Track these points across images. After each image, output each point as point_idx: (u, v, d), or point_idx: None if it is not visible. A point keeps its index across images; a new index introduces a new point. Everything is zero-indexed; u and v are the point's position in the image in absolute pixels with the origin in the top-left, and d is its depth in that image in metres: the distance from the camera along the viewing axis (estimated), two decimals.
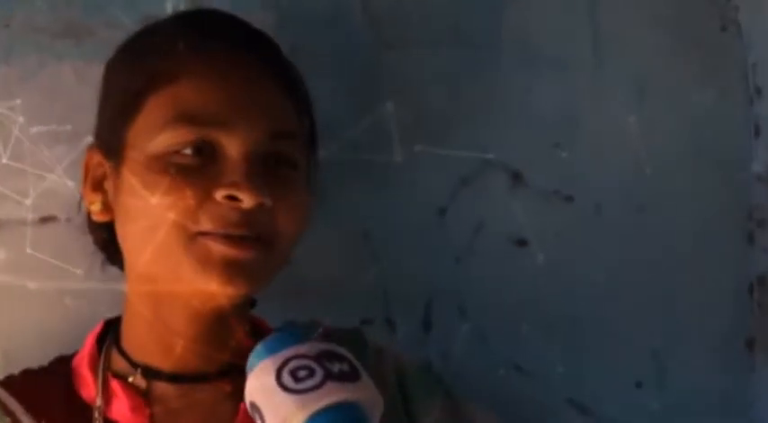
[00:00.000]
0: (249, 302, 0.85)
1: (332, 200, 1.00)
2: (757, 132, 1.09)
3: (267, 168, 0.79)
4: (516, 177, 1.05)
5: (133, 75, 0.81)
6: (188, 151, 0.77)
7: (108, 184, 0.82)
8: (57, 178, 0.92)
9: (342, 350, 0.71)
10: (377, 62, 1.03)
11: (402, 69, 1.03)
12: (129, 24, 0.88)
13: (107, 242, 0.87)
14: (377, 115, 1.02)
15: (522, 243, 1.04)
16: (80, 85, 0.91)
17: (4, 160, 0.92)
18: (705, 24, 1.09)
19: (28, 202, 0.93)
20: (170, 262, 0.77)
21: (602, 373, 1.05)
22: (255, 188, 0.76)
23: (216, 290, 0.77)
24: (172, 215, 0.76)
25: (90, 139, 0.85)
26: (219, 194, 0.76)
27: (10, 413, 0.80)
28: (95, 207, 0.83)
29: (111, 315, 0.88)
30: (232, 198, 0.76)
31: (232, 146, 0.78)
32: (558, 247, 1.04)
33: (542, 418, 1.04)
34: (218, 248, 0.76)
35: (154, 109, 0.79)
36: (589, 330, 1.05)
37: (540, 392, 1.03)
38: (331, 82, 1.00)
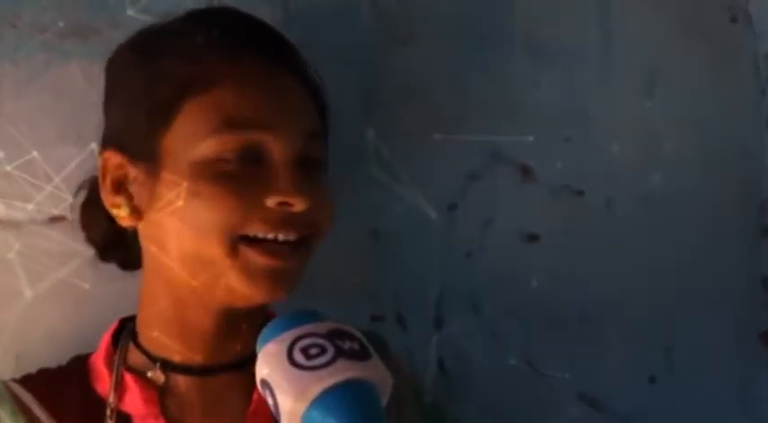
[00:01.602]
0: None
1: (341, 197, 1.00)
2: None
3: (305, 170, 0.80)
4: (526, 172, 1.04)
5: (164, 79, 0.80)
6: (232, 157, 0.78)
7: (135, 188, 0.81)
8: (65, 177, 0.92)
9: (352, 329, 0.72)
10: (385, 57, 1.02)
11: (410, 64, 1.03)
12: (135, 23, 0.87)
13: (104, 239, 0.88)
14: (385, 111, 1.02)
15: (532, 238, 1.04)
16: (87, 84, 0.91)
17: (8, 165, 0.93)
18: (715, 16, 1.08)
19: (36, 202, 0.93)
20: (209, 270, 0.78)
21: (614, 368, 1.04)
22: (304, 193, 0.78)
23: (261, 299, 0.79)
24: (220, 219, 0.77)
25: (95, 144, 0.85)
26: (272, 201, 0.78)
27: (26, 409, 0.81)
28: (122, 211, 0.82)
29: (119, 316, 0.88)
30: (283, 204, 0.78)
31: (276, 150, 0.79)
32: (568, 242, 1.04)
33: (554, 414, 1.03)
34: (261, 260, 0.78)
35: (193, 115, 0.79)
36: (601, 325, 1.04)
37: (552, 388, 1.03)
38: (339, 77, 0.99)
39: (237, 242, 0.78)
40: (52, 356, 0.87)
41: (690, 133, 1.07)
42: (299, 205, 0.78)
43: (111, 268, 0.91)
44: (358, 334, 0.71)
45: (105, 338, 0.86)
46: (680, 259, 1.06)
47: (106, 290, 0.93)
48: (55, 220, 0.93)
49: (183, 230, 0.78)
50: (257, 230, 0.78)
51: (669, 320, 1.06)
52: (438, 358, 1.01)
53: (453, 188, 1.03)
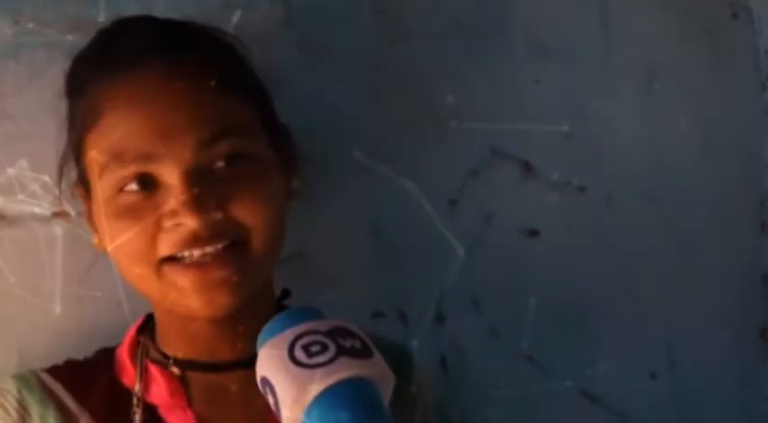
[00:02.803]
0: (271, 291, 0.86)
1: (341, 194, 1.00)
2: None
3: (212, 174, 0.78)
4: (527, 168, 1.04)
5: (73, 115, 0.82)
6: (133, 187, 0.78)
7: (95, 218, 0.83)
8: (67, 173, 0.92)
9: (353, 327, 0.71)
10: (385, 54, 1.02)
11: (410, 61, 1.03)
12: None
13: None
14: (385, 108, 1.02)
15: (533, 234, 1.04)
16: None
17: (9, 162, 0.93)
18: (716, 11, 1.08)
19: (36, 198, 0.93)
20: (153, 291, 0.79)
21: (615, 363, 1.05)
22: (197, 208, 0.76)
23: (207, 313, 0.78)
24: (131, 252, 0.77)
25: None
26: (168, 223, 0.77)
27: (55, 398, 0.82)
28: (95, 240, 0.84)
29: (121, 311, 0.88)
30: (179, 224, 0.77)
31: (166, 173, 0.77)
32: (569, 238, 1.04)
33: (555, 410, 1.03)
34: (185, 278, 0.77)
35: (91, 149, 0.79)
36: (602, 321, 1.04)
37: (553, 384, 1.03)
38: (338, 75, 1.00)
39: (160, 265, 0.78)
40: (54, 351, 0.88)
41: (690, 129, 1.07)
42: (191, 223, 0.76)
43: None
44: (360, 332, 0.71)
45: (131, 332, 0.87)
46: (680, 255, 1.06)
47: (109, 287, 0.93)
48: (56, 216, 0.93)
49: (119, 261, 0.79)
50: (168, 252, 0.77)
51: (669, 317, 1.06)
52: (440, 355, 1.01)
53: (454, 184, 1.03)
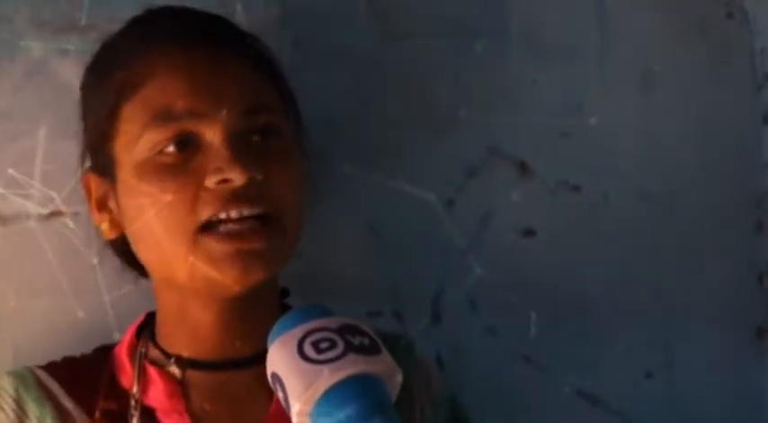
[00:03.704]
0: (276, 289, 0.87)
1: (338, 192, 1.00)
2: (766, 120, 1.08)
3: (251, 144, 0.80)
4: (523, 168, 1.04)
5: (103, 92, 0.82)
6: (171, 149, 0.79)
7: (111, 203, 0.84)
8: (62, 173, 0.92)
9: (363, 325, 0.72)
10: (381, 54, 1.02)
11: (407, 61, 1.03)
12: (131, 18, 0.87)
13: (124, 251, 0.88)
14: (382, 107, 1.02)
15: (529, 233, 1.04)
16: None
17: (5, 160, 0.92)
18: (712, 11, 1.08)
19: (33, 197, 0.93)
20: (182, 263, 0.78)
21: (611, 363, 1.04)
22: (242, 165, 0.77)
23: (236, 286, 0.78)
24: (171, 215, 0.77)
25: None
26: (211, 181, 0.78)
27: (52, 396, 0.82)
28: (104, 226, 0.84)
29: (116, 308, 0.88)
30: (223, 181, 0.77)
31: (210, 133, 0.79)
32: (566, 238, 1.04)
33: (552, 409, 1.03)
34: (220, 247, 0.77)
35: (128, 118, 0.80)
36: (598, 321, 1.04)
37: (550, 383, 1.03)
38: (335, 75, 1.00)
39: (196, 235, 0.78)
40: (50, 349, 0.87)
41: (686, 129, 1.07)
42: (237, 178, 0.77)
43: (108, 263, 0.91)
44: (369, 329, 0.72)
45: (130, 331, 0.87)
46: (677, 255, 1.06)
47: (107, 284, 0.93)
48: (53, 215, 0.93)
49: (147, 235, 0.79)
50: (208, 213, 0.78)
51: (666, 316, 1.06)
52: (436, 354, 1.01)
53: (451, 184, 1.03)
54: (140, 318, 0.88)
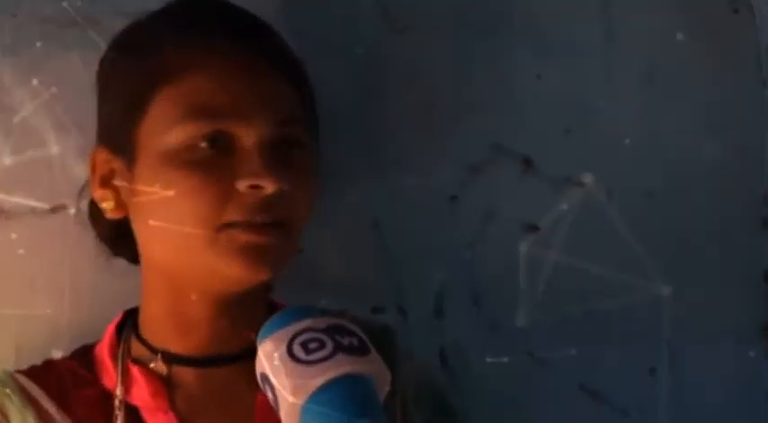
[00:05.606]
0: (266, 286, 0.86)
1: (342, 188, 1.00)
2: None
3: (280, 154, 0.80)
4: (527, 164, 1.04)
5: (137, 71, 0.82)
6: (203, 144, 0.79)
7: (119, 181, 0.83)
8: (66, 167, 0.92)
9: (351, 325, 0.72)
10: (384, 48, 1.02)
11: (410, 55, 1.03)
12: (134, 14, 0.87)
13: (112, 235, 0.88)
14: (385, 103, 1.02)
15: (533, 229, 1.04)
16: (87, 74, 0.91)
17: (8, 155, 0.92)
18: (716, 6, 1.08)
19: (36, 192, 0.93)
20: (193, 254, 0.79)
21: (615, 359, 1.04)
22: (276, 174, 0.78)
23: (242, 276, 0.79)
24: (196, 210, 0.78)
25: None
26: (243, 185, 0.78)
27: (34, 401, 0.82)
28: (108, 205, 0.84)
29: (120, 307, 0.88)
30: (255, 187, 0.78)
31: (247, 136, 0.79)
32: (569, 234, 1.04)
33: (555, 406, 1.03)
34: (244, 237, 0.78)
35: (164, 105, 0.80)
36: (602, 317, 1.04)
37: (553, 379, 1.03)
38: (338, 68, 1.00)
39: (219, 230, 0.78)
40: (52, 348, 0.87)
41: (691, 125, 1.07)
42: (269, 186, 0.78)
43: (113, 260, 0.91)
44: (357, 329, 0.72)
45: (110, 330, 0.86)
46: (680, 251, 1.06)
47: (107, 281, 0.93)
48: (56, 209, 0.93)
49: (164, 219, 0.79)
50: (235, 216, 0.78)
51: (670, 312, 1.06)
52: (439, 350, 1.01)
53: (454, 180, 1.03)
54: (118, 316, 0.87)
